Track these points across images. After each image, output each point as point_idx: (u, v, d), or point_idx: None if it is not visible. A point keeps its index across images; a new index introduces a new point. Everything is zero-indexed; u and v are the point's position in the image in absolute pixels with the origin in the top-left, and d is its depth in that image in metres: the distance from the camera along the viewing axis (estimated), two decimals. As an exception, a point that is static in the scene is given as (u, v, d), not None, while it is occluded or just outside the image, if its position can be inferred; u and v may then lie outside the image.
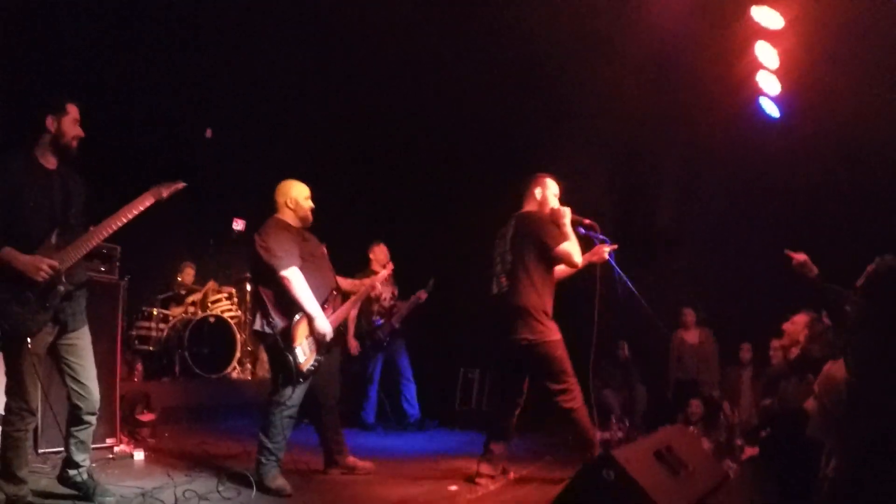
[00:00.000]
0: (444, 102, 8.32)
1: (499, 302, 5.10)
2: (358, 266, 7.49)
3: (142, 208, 3.93)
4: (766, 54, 6.58)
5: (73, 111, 3.91)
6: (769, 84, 6.84)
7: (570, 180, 5.49)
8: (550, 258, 5.00)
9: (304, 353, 4.65)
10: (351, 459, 5.24)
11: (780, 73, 6.71)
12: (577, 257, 4.97)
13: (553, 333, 4.95)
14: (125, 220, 3.91)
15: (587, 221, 5.23)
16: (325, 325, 4.72)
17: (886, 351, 2.55)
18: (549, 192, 5.27)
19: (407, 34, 7.33)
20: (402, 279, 7.94)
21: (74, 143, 3.90)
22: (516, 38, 7.28)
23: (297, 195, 4.94)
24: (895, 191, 6.83)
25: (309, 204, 4.99)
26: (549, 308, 5.06)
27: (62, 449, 4.19)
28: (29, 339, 3.71)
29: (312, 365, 4.70)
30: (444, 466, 5.70)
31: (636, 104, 7.86)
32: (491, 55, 7.59)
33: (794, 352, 5.30)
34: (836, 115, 6.75)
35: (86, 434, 4.08)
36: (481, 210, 7.10)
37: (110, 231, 3.89)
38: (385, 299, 7.89)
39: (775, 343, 7.09)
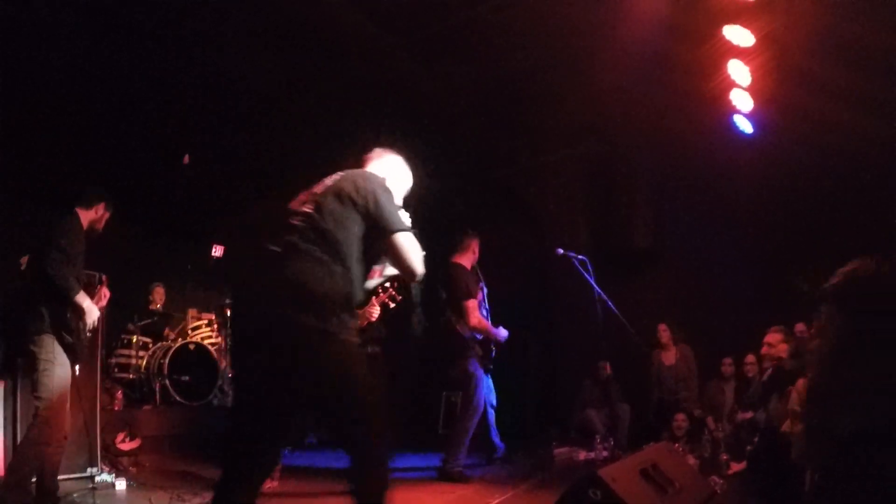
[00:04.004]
0: (417, 126, 8.31)
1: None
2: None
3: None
4: (738, 72, 6.68)
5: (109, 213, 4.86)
6: (742, 101, 6.93)
7: (546, 201, 5.48)
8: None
9: None
10: None
11: (753, 90, 6.80)
12: None
13: None
14: None
15: None
16: None
17: (842, 358, 2.51)
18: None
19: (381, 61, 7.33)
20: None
21: (95, 235, 4.80)
22: (491, 57, 7.29)
23: None
24: (867, 203, 6.93)
25: None
26: None
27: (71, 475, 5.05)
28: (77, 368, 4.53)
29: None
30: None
31: (612, 121, 7.93)
32: (467, 75, 7.59)
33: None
34: (807, 130, 6.85)
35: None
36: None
37: None
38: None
39: (751, 358, 7.16)
